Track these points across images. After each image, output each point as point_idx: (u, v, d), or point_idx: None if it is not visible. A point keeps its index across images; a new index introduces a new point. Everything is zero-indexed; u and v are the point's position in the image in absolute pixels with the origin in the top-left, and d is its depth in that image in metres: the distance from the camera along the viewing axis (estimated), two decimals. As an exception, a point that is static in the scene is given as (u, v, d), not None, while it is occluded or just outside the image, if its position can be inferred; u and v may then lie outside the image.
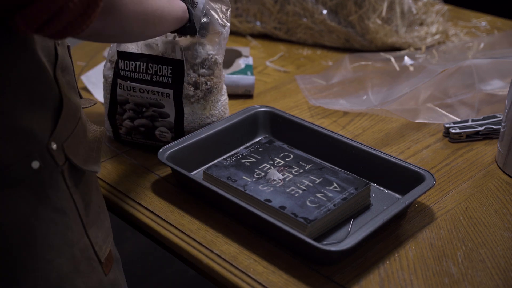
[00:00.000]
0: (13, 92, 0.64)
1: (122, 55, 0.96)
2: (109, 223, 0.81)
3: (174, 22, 0.88)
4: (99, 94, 1.17)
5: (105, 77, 1.00)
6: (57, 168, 0.69)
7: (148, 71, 0.95)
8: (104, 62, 1.06)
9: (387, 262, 0.79)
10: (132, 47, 0.96)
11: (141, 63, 0.95)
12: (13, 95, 0.64)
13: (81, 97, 0.81)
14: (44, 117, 0.67)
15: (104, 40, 0.82)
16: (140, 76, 0.96)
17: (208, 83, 0.98)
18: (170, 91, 0.96)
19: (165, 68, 0.95)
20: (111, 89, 0.99)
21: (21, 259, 0.66)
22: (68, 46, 0.76)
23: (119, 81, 0.97)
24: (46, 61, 0.68)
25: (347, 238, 0.77)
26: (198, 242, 0.82)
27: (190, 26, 0.92)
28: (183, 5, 0.90)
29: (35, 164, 0.66)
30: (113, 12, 0.69)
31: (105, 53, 1.37)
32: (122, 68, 0.96)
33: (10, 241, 0.66)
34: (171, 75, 0.95)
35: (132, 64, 0.95)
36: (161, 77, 0.95)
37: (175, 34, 0.95)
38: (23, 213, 0.66)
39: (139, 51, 0.96)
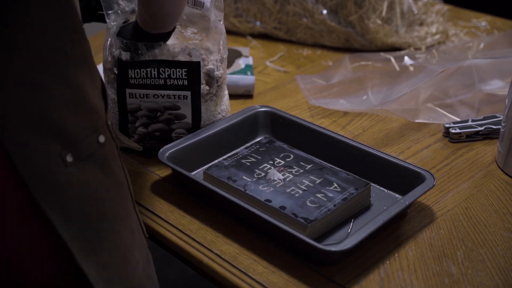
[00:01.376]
0: (79, 68, 0.67)
1: (130, 64, 0.93)
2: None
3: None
4: None
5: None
6: (115, 142, 0.73)
7: (161, 75, 0.94)
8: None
9: (387, 262, 0.79)
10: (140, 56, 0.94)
11: (152, 69, 0.94)
12: (80, 71, 0.67)
13: None
14: (100, 94, 0.71)
15: None
16: (152, 82, 0.94)
17: (219, 80, 0.98)
18: (188, 93, 0.95)
19: (178, 71, 0.94)
20: (118, 101, 0.96)
21: (98, 230, 0.69)
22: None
23: (128, 90, 0.94)
24: (88, 45, 0.70)
25: (347, 239, 0.77)
26: (198, 242, 0.82)
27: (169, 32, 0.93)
28: None
29: (101, 138, 0.70)
30: None
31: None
32: (133, 76, 0.94)
33: (88, 212, 0.68)
34: (186, 77, 0.95)
35: (143, 72, 0.93)
36: (175, 80, 0.94)
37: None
38: (95, 186, 0.69)
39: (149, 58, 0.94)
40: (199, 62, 0.95)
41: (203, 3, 0.94)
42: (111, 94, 0.97)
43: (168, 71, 0.94)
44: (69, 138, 0.65)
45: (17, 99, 0.62)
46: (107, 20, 0.95)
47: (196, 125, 0.98)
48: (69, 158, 0.65)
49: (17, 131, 0.62)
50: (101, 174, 0.70)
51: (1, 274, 0.67)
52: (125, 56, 0.92)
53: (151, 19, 0.89)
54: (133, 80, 0.94)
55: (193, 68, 0.94)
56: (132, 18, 0.97)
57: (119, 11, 0.96)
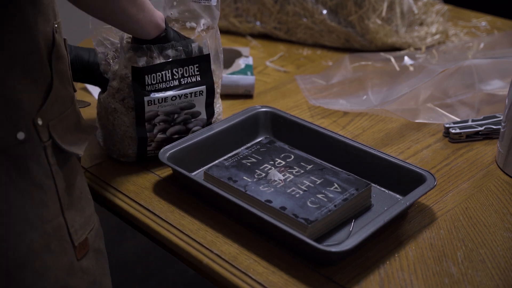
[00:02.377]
0: (7, 62, 0.67)
1: (146, 70, 0.90)
2: (91, 213, 0.81)
3: (152, 22, 0.87)
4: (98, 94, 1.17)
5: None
6: (41, 143, 0.71)
7: (174, 76, 0.93)
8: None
9: (387, 262, 0.79)
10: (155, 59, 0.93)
11: (167, 71, 0.92)
12: (6, 65, 0.67)
13: (75, 90, 0.83)
14: (34, 92, 0.70)
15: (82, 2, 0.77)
16: (168, 85, 0.93)
17: (217, 72, 0.99)
18: (203, 88, 0.95)
19: (191, 68, 0.94)
20: (137, 114, 0.92)
21: None
22: (64, 39, 0.78)
23: (146, 99, 0.91)
24: (43, 43, 0.71)
25: (348, 239, 0.76)
26: (198, 243, 0.82)
27: (164, 37, 0.91)
28: (162, 14, 0.90)
29: (21, 135, 0.69)
30: None
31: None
32: (149, 83, 0.91)
33: None
34: (198, 73, 0.94)
35: (159, 75, 0.92)
36: (188, 78, 0.94)
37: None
38: (2, 182, 0.68)
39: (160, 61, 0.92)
40: (209, 54, 0.95)
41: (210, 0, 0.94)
42: (121, 107, 0.93)
43: (181, 70, 0.93)
44: None
45: None
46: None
47: (209, 120, 0.99)
48: None
49: None
50: (15, 172, 0.69)
51: None
52: (141, 61, 0.90)
53: (129, 32, 0.89)
54: (149, 86, 0.91)
55: (204, 61, 0.94)
56: None
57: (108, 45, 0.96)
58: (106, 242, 0.87)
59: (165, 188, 0.93)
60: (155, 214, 0.88)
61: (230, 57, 1.27)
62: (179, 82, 0.93)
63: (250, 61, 1.26)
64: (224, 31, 1.51)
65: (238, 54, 1.29)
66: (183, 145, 0.94)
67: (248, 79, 1.19)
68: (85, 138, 0.80)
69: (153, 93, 0.92)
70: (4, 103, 0.67)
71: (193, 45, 0.94)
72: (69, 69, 0.79)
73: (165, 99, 0.92)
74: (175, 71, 0.93)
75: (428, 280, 0.77)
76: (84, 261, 0.78)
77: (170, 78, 0.93)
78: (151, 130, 0.94)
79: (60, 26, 0.77)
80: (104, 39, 0.95)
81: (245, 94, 1.21)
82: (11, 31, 0.68)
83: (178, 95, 0.93)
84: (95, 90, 1.20)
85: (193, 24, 0.98)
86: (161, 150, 0.92)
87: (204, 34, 0.97)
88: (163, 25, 0.90)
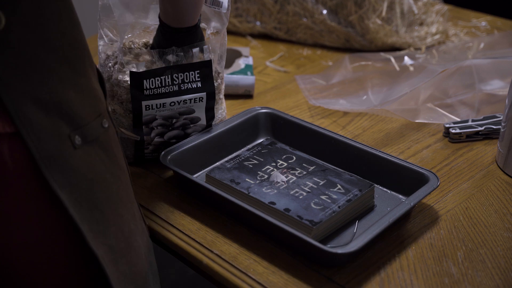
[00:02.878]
0: (83, 54, 0.69)
1: (144, 75, 0.90)
2: None
3: (200, 5, 0.88)
4: None
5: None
6: (115, 128, 0.74)
7: (174, 81, 0.91)
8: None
9: (387, 262, 0.79)
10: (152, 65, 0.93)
11: (166, 76, 0.91)
12: (84, 57, 0.69)
13: None
14: (97, 82, 0.73)
15: None
16: (167, 90, 0.91)
17: (219, 75, 0.98)
18: (203, 95, 0.94)
19: (191, 74, 0.92)
20: (134, 115, 0.92)
21: (105, 212, 0.70)
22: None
23: (144, 103, 0.91)
24: (84, 36, 0.73)
25: (353, 240, 0.76)
26: (198, 243, 0.82)
27: (195, 31, 0.92)
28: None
29: (105, 123, 0.71)
30: None
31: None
32: (148, 87, 0.90)
33: (95, 194, 0.69)
34: (199, 79, 0.93)
35: (158, 80, 0.91)
36: (189, 84, 0.93)
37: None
38: (101, 169, 0.70)
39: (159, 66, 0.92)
40: (211, 60, 0.93)
41: (222, 2, 0.93)
42: (120, 109, 0.94)
43: (181, 75, 0.92)
44: (77, 121, 0.66)
45: (28, 80, 0.63)
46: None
47: (209, 124, 0.98)
48: (77, 140, 0.66)
49: (29, 112, 0.63)
50: (106, 158, 0.70)
51: (17, 259, 0.68)
52: (141, 67, 0.90)
53: (174, 11, 0.89)
54: (147, 91, 0.90)
55: (205, 67, 0.93)
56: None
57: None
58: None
59: (165, 188, 0.93)
60: (155, 215, 0.88)
61: (230, 57, 1.27)
62: (179, 87, 0.92)
63: (250, 61, 1.26)
64: (224, 31, 1.51)
65: (238, 54, 1.29)
66: (184, 148, 0.94)
67: (248, 79, 1.19)
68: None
69: (151, 98, 0.91)
70: (90, 93, 0.69)
71: (193, 50, 0.93)
72: None
73: (163, 104, 0.92)
74: (175, 76, 0.91)
75: (428, 280, 0.77)
76: (150, 242, 0.82)
77: (170, 83, 0.91)
78: (149, 134, 0.94)
79: None
80: (106, 37, 0.95)
81: (245, 94, 1.21)
82: (76, 23, 0.69)
83: (177, 101, 0.92)
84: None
85: (204, 25, 0.98)
86: (163, 152, 0.92)
87: (212, 37, 0.96)
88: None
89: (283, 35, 1.46)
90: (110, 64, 0.94)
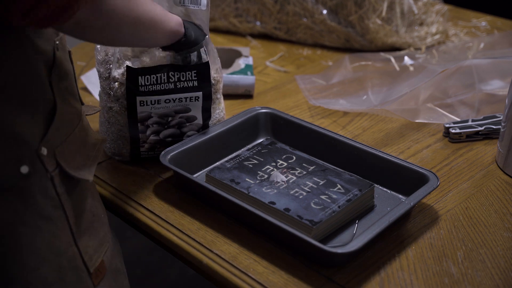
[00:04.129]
0: (3, 95, 0.64)
1: (140, 71, 0.89)
2: (106, 232, 0.79)
3: (167, 34, 0.83)
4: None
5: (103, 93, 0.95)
6: (47, 174, 0.68)
7: (170, 79, 0.91)
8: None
9: (387, 262, 0.79)
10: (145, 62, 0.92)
11: (162, 74, 0.91)
12: (3, 98, 0.64)
13: (82, 104, 0.80)
14: (35, 121, 0.67)
15: (90, 36, 0.73)
16: (163, 87, 0.91)
17: (216, 76, 0.98)
18: (199, 94, 0.94)
19: (188, 74, 0.92)
20: (128, 111, 0.91)
21: (7, 266, 0.66)
22: (69, 52, 0.76)
23: (138, 99, 0.90)
24: (42, 65, 0.67)
25: (353, 240, 0.76)
26: (198, 242, 0.82)
27: (185, 42, 0.88)
28: (178, 18, 0.85)
29: (24, 169, 0.65)
30: (101, 2, 0.66)
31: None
32: (143, 84, 0.90)
33: (2, 247, 0.65)
34: (196, 78, 0.93)
35: (154, 77, 0.90)
36: (185, 82, 0.92)
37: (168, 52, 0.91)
38: (10, 220, 0.65)
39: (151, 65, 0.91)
40: (208, 62, 0.93)
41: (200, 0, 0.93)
42: (116, 106, 0.93)
43: (177, 74, 0.92)
44: None
45: None
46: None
47: (206, 124, 0.98)
48: None
49: None
50: (22, 207, 0.66)
51: None
52: (135, 62, 0.90)
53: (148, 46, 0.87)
54: (143, 87, 0.90)
55: (203, 68, 0.93)
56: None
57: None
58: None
59: (165, 188, 0.93)
60: (155, 214, 0.88)
61: (230, 57, 1.27)
62: (175, 85, 0.92)
63: (250, 61, 1.26)
64: (224, 31, 1.51)
65: (238, 54, 1.29)
66: (184, 147, 0.94)
67: (248, 79, 1.19)
68: (95, 156, 0.77)
69: (146, 94, 0.90)
70: (3, 138, 0.64)
71: (191, 55, 0.92)
72: (75, 82, 0.76)
73: (158, 101, 0.92)
74: (171, 74, 0.91)
75: (428, 280, 0.77)
76: (102, 285, 0.76)
77: (166, 81, 0.91)
78: (144, 131, 0.94)
79: (63, 40, 0.73)
80: None
81: (245, 94, 1.21)
82: (5, 58, 0.64)
83: (173, 99, 0.92)
84: (95, 90, 1.20)
85: None
86: (162, 152, 0.92)
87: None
88: (182, 30, 0.86)
89: (283, 35, 1.46)
90: (110, 60, 0.94)
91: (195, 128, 0.97)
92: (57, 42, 0.71)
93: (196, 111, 0.96)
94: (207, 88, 0.94)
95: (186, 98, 0.93)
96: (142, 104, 0.91)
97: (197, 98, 0.94)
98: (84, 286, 0.73)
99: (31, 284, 0.68)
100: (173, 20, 0.84)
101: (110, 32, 0.73)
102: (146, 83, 0.90)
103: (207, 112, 0.97)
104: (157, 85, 0.91)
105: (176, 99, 0.93)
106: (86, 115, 0.81)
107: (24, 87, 0.66)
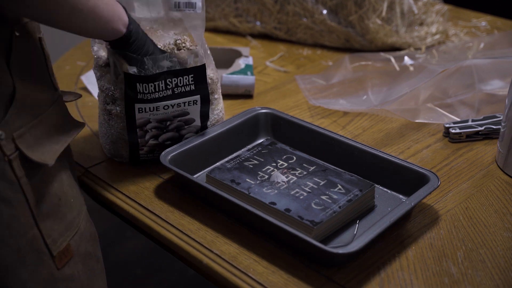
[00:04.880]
0: None
1: (138, 78, 0.88)
2: (74, 217, 0.79)
3: (107, 25, 0.79)
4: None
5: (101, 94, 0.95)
6: (4, 157, 0.69)
7: (168, 86, 0.91)
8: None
9: (387, 262, 0.79)
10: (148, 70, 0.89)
11: (160, 82, 0.90)
12: None
13: (56, 90, 0.79)
14: None
15: (22, 10, 0.70)
16: (161, 94, 0.91)
17: (213, 76, 0.98)
18: (197, 97, 0.94)
19: (185, 78, 0.92)
20: (127, 117, 0.91)
21: None
22: (40, 38, 0.75)
23: (137, 106, 0.90)
24: None
25: (354, 241, 0.76)
26: (198, 242, 0.82)
27: (134, 44, 0.85)
28: (124, 17, 0.82)
29: None
30: None
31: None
32: (141, 91, 0.89)
33: None
34: (193, 82, 0.93)
35: (151, 86, 0.89)
36: (182, 87, 0.92)
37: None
38: None
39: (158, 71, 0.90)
40: (204, 64, 0.93)
41: (195, 3, 0.92)
42: (115, 108, 0.93)
43: (175, 80, 0.91)
44: None
45: None
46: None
47: (204, 125, 0.98)
48: None
49: None
50: None
51: None
52: (132, 69, 0.89)
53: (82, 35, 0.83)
54: (141, 95, 0.89)
55: (199, 71, 0.92)
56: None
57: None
58: (106, 242, 0.87)
59: (165, 188, 0.93)
60: (155, 214, 0.88)
61: (230, 57, 1.27)
62: (173, 91, 0.91)
63: (250, 61, 1.26)
64: (224, 31, 1.51)
65: (238, 54, 1.29)
66: (184, 148, 0.94)
67: (248, 79, 1.19)
68: (65, 141, 0.77)
69: (145, 102, 0.90)
70: None
71: (187, 56, 0.91)
72: (48, 69, 0.76)
73: (156, 107, 0.91)
74: (168, 81, 0.91)
75: (428, 280, 0.77)
76: (68, 268, 0.77)
77: (164, 88, 0.90)
78: (143, 136, 0.94)
79: (29, 26, 0.73)
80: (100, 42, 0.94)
81: (245, 94, 1.21)
82: None
83: (171, 105, 0.92)
84: (95, 90, 1.20)
85: (175, 31, 0.95)
86: (163, 152, 0.92)
87: (194, 47, 0.93)
88: (123, 30, 0.82)
89: (283, 35, 1.46)
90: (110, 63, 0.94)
91: (194, 130, 0.97)
92: (16, 30, 0.70)
93: (194, 114, 0.95)
94: (204, 90, 0.94)
95: (184, 103, 0.93)
96: (140, 111, 0.91)
97: (195, 101, 0.94)
98: (46, 268, 0.74)
99: None
100: (119, 16, 0.81)
101: (44, 11, 0.70)
102: (145, 91, 0.89)
103: (205, 114, 0.97)
104: (155, 93, 0.90)
105: (174, 104, 0.92)
106: (66, 101, 0.82)
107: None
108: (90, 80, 1.23)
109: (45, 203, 0.74)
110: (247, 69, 1.22)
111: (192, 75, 0.92)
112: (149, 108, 0.91)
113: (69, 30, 0.76)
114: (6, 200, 0.70)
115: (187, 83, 0.92)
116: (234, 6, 1.47)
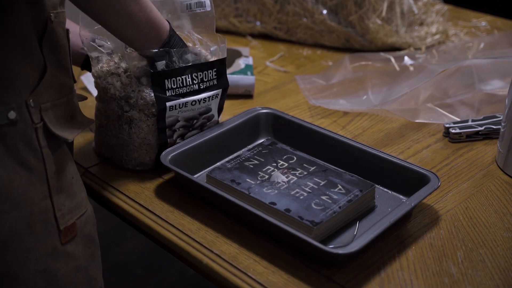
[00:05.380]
0: (7, 40, 0.68)
1: (167, 74, 0.89)
2: (83, 199, 0.81)
3: (155, 34, 0.85)
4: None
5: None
6: (32, 124, 0.72)
7: (194, 81, 0.92)
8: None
9: (387, 262, 0.79)
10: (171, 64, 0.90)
11: (187, 76, 0.91)
12: (7, 43, 0.68)
13: (74, 81, 0.84)
14: (28, 73, 0.71)
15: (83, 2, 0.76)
16: (188, 89, 0.92)
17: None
18: (219, 91, 0.96)
19: (210, 72, 0.93)
20: (159, 119, 0.90)
21: None
22: (67, 30, 0.79)
23: (168, 104, 0.90)
24: (32, 30, 0.71)
25: (355, 241, 0.76)
26: (198, 242, 0.82)
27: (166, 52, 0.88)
28: (167, 25, 0.87)
29: (12, 115, 0.69)
30: None
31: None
32: (170, 87, 0.90)
33: None
34: (216, 76, 0.94)
35: (179, 80, 0.90)
36: (207, 82, 0.94)
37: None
38: None
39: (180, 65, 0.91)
40: (225, 58, 0.95)
41: (204, 2, 0.95)
42: (135, 113, 0.91)
43: (200, 74, 0.92)
44: None
45: None
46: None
47: (218, 119, 1.00)
48: None
49: None
50: (3, 150, 0.70)
51: None
52: (161, 66, 0.88)
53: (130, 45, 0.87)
54: (170, 91, 0.90)
55: (221, 65, 0.95)
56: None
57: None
58: (106, 242, 0.87)
59: (165, 188, 0.93)
60: (155, 214, 0.88)
61: (230, 57, 1.27)
62: (199, 86, 0.93)
63: (250, 61, 1.26)
64: (224, 31, 1.51)
65: (238, 54, 1.29)
66: (185, 148, 0.94)
67: (248, 79, 1.19)
68: (78, 128, 0.80)
69: (174, 99, 0.90)
70: None
71: (211, 48, 0.95)
72: (70, 60, 0.80)
73: (185, 104, 0.92)
74: (194, 75, 0.92)
75: (428, 280, 0.77)
76: (70, 246, 0.78)
77: (190, 83, 0.92)
78: (171, 136, 0.94)
79: (61, 16, 0.77)
80: (101, 47, 0.94)
81: (245, 94, 1.21)
82: (8, 12, 0.69)
83: (198, 100, 0.93)
84: (95, 90, 1.20)
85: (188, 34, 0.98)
86: (163, 153, 0.92)
87: (210, 43, 0.96)
88: (165, 36, 0.86)
89: (283, 35, 1.46)
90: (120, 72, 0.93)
91: (213, 125, 0.99)
92: (52, 15, 0.74)
93: (214, 109, 0.97)
94: (225, 83, 0.96)
95: (209, 97, 0.94)
96: (171, 109, 0.91)
97: (217, 95, 0.96)
98: (51, 240, 0.75)
99: (0, 226, 0.71)
100: (165, 26, 0.87)
101: (103, 6, 0.77)
102: (173, 86, 0.90)
103: (221, 107, 0.99)
104: (184, 88, 0.92)
105: (200, 100, 0.93)
106: None
107: (23, 40, 0.70)
108: (90, 80, 1.23)
109: (61, 177, 0.77)
110: (247, 69, 1.22)
111: (215, 69, 0.94)
112: (179, 105, 0.91)
113: (122, 38, 0.84)
114: (28, 166, 0.72)
115: (211, 77, 0.94)
116: (234, 6, 1.47)
